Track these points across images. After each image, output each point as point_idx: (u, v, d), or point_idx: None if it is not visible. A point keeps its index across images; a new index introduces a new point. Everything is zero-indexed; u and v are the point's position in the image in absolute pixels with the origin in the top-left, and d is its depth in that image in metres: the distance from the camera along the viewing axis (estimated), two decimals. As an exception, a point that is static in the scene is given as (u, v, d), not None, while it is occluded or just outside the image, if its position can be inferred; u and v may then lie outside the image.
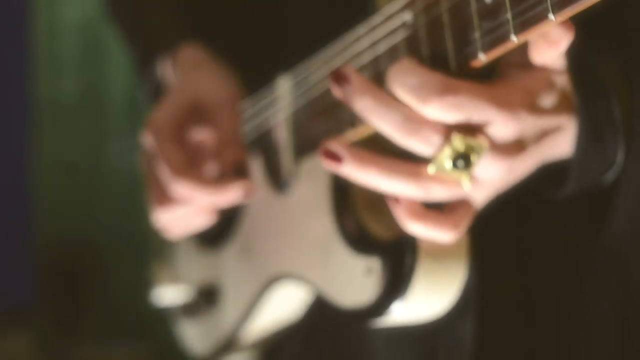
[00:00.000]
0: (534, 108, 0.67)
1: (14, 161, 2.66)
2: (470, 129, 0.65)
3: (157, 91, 1.06)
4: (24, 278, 2.60)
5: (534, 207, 0.78)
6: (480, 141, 0.65)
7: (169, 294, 1.20)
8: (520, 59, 0.67)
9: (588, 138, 0.71)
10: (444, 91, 0.63)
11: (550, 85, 0.68)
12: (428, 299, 0.74)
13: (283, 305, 1.00)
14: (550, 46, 0.63)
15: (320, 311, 0.98)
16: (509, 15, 0.59)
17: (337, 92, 0.69)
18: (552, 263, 0.83)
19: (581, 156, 0.72)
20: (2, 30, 2.61)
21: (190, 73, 1.01)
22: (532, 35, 0.59)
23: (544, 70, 0.67)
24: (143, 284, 1.33)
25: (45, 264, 2.56)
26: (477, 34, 0.62)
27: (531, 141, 0.69)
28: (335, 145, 0.69)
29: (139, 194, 1.16)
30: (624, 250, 0.79)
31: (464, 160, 0.65)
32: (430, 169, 0.67)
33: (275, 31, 1.01)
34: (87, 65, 2.86)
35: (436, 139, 0.65)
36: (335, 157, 0.69)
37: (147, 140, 0.97)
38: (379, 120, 0.66)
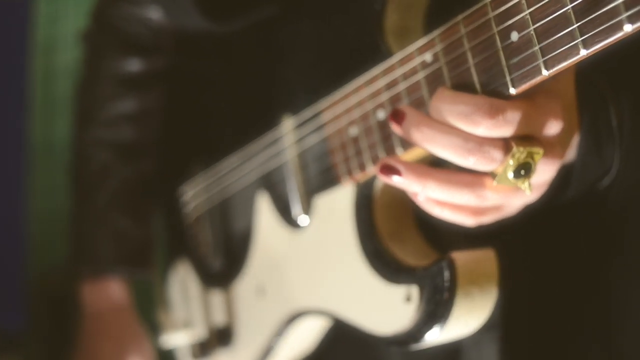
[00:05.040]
0: (566, 108, 0.70)
1: (9, 197, 2.70)
2: (524, 138, 0.68)
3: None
4: (16, 305, 2.64)
5: (541, 214, 0.81)
6: (537, 148, 0.68)
7: (177, 338, 1.20)
8: None
9: (589, 146, 0.76)
10: (491, 112, 0.65)
11: (568, 87, 0.71)
12: (466, 319, 0.76)
13: (301, 339, 1.01)
14: None
15: (335, 333, 1.00)
16: (538, 53, 0.62)
17: (396, 129, 0.72)
18: (568, 273, 0.87)
19: (582, 163, 0.76)
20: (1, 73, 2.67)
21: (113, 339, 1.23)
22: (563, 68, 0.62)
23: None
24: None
25: (37, 292, 2.56)
26: (505, 71, 0.65)
27: (566, 143, 0.72)
28: (393, 160, 0.73)
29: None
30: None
31: (524, 168, 0.68)
32: (494, 181, 0.69)
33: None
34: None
35: (497, 153, 0.67)
36: (392, 170, 0.73)
37: None
38: (438, 146, 0.69)
